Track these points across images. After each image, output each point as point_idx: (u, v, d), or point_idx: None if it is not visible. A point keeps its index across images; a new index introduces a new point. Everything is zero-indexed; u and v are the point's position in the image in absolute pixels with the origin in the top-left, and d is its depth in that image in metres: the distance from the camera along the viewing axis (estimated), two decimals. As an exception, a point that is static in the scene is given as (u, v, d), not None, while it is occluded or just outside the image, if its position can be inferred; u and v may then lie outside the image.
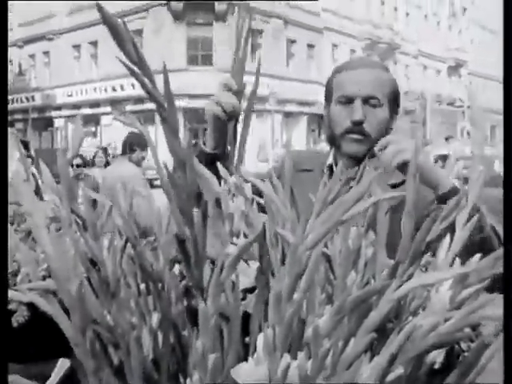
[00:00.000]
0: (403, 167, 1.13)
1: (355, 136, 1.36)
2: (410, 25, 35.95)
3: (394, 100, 1.41)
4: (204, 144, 1.22)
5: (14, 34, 30.83)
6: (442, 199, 1.12)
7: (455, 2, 39.86)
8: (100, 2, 0.51)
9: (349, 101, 1.37)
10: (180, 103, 20.84)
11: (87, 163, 6.90)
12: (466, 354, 0.67)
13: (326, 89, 1.46)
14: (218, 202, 0.64)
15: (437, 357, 0.55)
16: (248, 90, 1.15)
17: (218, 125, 1.16)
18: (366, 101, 1.36)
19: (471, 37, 41.76)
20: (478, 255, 0.55)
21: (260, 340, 0.47)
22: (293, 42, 27.15)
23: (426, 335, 0.43)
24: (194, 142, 1.13)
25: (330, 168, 1.45)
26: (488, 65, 40.01)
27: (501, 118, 0.64)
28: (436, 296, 0.51)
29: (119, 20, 0.52)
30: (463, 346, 0.72)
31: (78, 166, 6.24)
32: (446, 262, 0.57)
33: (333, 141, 1.43)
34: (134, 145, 4.77)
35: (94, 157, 7.58)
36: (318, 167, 1.46)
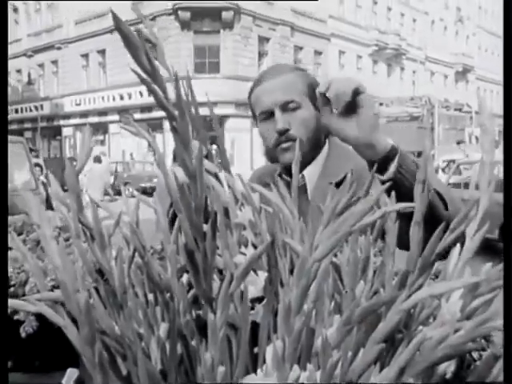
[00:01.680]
0: (352, 106, 1.03)
1: (285, 145, 1.35)
2: (417, 31, 35.96)
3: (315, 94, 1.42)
4: None
5: (23, 44, 31.17)
6: (383, 161, 1.02)
7: (462, 7, 39.83)
8: (109, 7, 0.51)
9: (270, 115, 1.36)
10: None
11: None
12: (477, 363, 0.66)
13: (250, 108, 1.46)
14: (226, 212, 0.63)
15: (448, 367, 0.55)
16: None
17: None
18: (284, 108, 1.35)
19: (478, 42, 41.73)
20: (489, 264, 0.55)
21: (269, 351, 0.46)
22: (300, 48, 27.21)
23: (435, 347, 0.42)
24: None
25: (280, 176, 1.43)
26: (495, 70, 39.90)
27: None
28: (446, 306, 0.50)
29: (132, 29, 0.51)
30: (474, 355, 0.71)
31: None
32: (456, 271, 0.56)
33: (270, 156, 1.43)
34: None
35: None
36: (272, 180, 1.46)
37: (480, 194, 0.58)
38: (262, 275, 0.61)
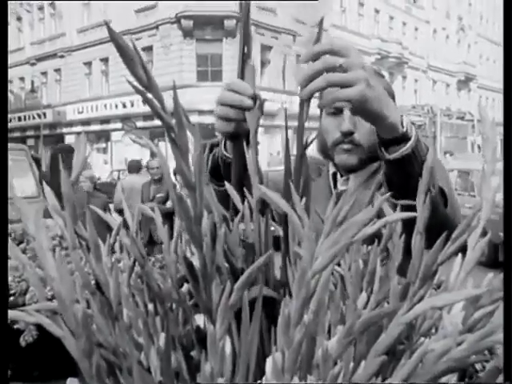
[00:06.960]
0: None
1: (345, 146, 1.32)
2: (419, 39, 36.05)
3: None
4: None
5: (26, 52, 31.32)
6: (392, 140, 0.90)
7: (463, 17, 39.93)
8: (110, 19, 0.51)
9: (339, 111, 1.32)
10: (189, 119, 20.94)
11: None
12: (479, 374, 0.66)
13: (319, 96, 1.42)
14: (226, 222, 0.63)
15: (450, 379, 0.54)
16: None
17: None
18: None
19: (480, 51, 41.83)
20: (491, 274, 0.54)
21: (268, 363, 0.46)
22: (302, 57, 27.25)
23: (438, 360, 0.42)
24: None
25: (334, 176, 1.43)
26: (497, 79, 39.98)
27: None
28: (448, 317, 0.50)
29: (128, 40, 0.51)
30: (477, 366, 0.70)
31: None
32: (458, 281, 0.55)
33: (325, 152, 1.41)
34: None
35: None
36: (314, 174, 1.44)
37: (482, 203, 0.58)
38: None
